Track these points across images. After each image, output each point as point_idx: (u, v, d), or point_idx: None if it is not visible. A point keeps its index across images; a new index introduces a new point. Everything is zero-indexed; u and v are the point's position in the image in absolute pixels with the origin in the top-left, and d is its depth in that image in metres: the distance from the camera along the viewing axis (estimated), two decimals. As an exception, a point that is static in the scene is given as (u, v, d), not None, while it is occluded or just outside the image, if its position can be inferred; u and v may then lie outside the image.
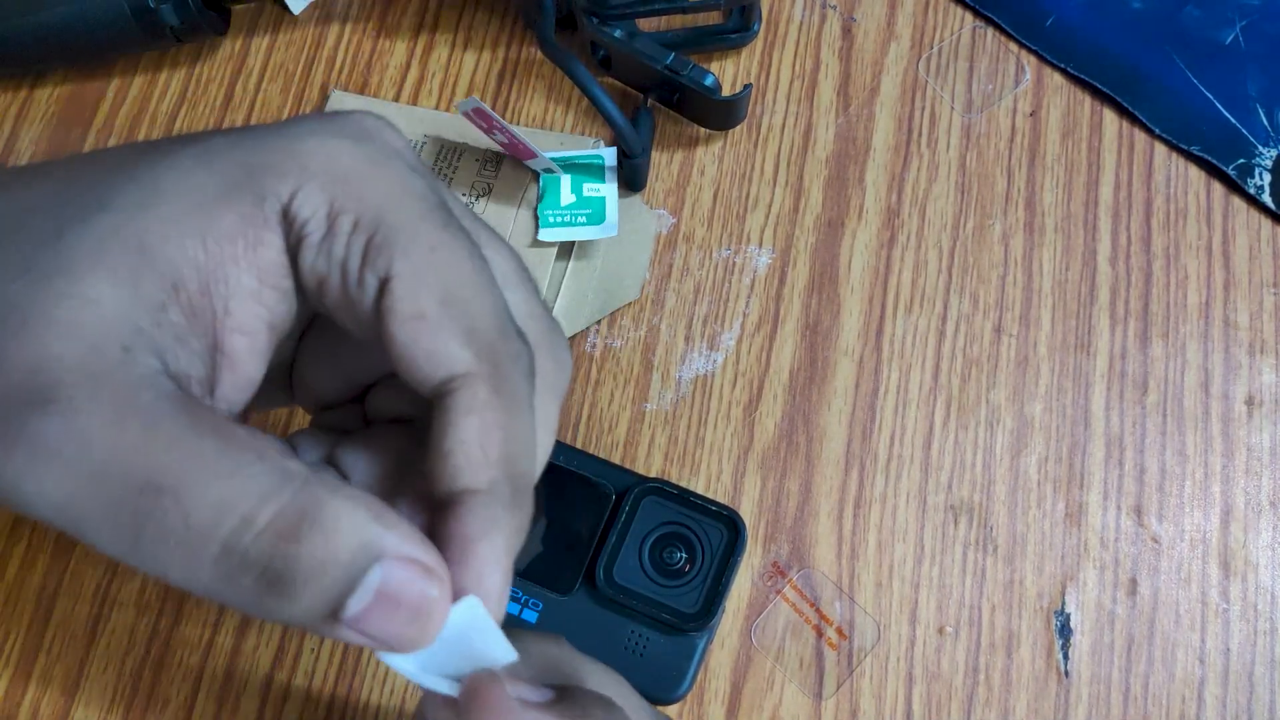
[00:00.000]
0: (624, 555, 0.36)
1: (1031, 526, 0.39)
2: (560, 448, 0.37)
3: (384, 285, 0.21)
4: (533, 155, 0.42)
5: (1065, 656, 0.38)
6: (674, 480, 0.40)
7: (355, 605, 0.19)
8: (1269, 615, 0.38)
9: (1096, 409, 0.41)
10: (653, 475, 0.40)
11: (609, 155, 0.42)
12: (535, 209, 0.43)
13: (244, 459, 0.19)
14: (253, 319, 0.22)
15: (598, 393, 0.41)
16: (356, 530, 0.19)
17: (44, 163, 0.23)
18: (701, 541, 0.36)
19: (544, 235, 0.42)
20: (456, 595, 0.21)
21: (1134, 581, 0.39)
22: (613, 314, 0.42)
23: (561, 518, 0.36)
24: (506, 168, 0.43)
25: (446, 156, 0.44)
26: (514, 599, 0.35)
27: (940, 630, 0.38)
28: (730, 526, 0.36)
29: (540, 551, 0.36)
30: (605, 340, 0.42)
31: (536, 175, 0.43)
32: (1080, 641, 0.38)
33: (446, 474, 0.21)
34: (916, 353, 0.42)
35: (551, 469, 0.37)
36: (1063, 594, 0.39)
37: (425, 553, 0.20)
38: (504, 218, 0.42)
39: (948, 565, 0.39)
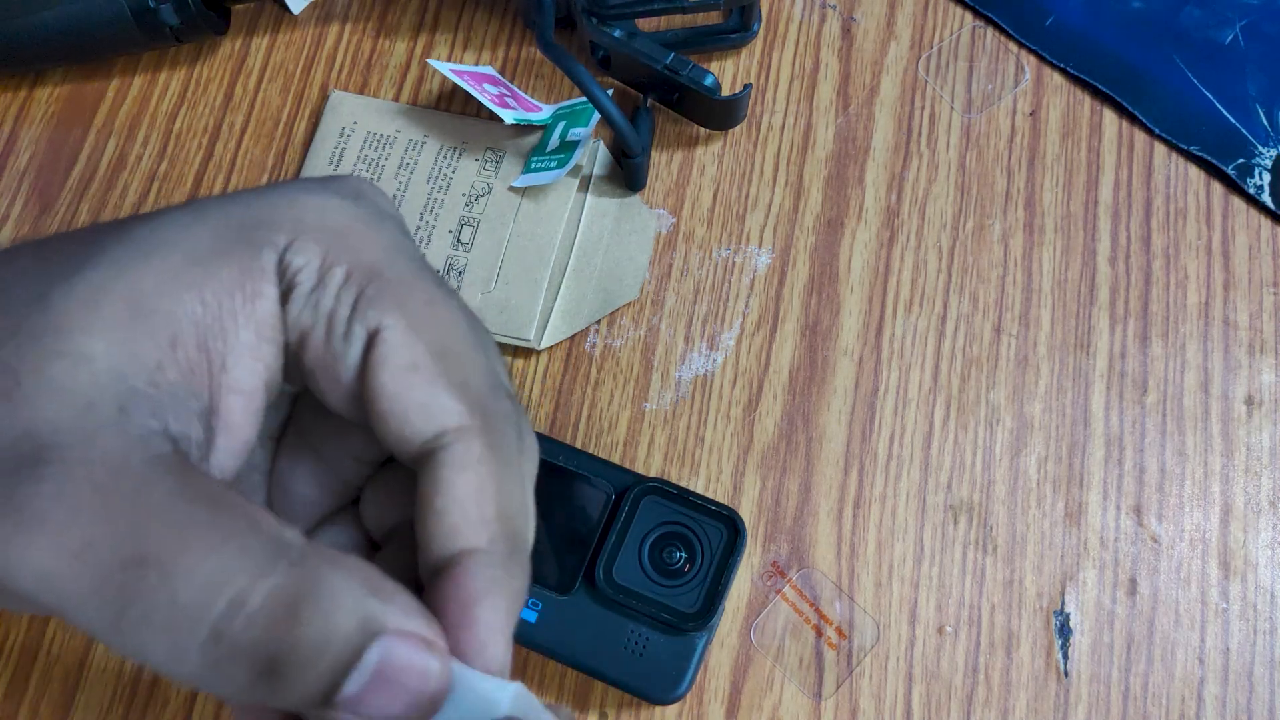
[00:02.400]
0: (624, 555, 0.36)
1: (1031, 526, 0.39)
2: (560, 448, 0.37)
3: (374, 337, 0.21)
4: (538, 109, 0.44)
5: (1065, 656, 0.38)
6: (674, 480, 0.40)
7: (353, 686, 0.18)
8: (1269, 615, 0.38)
9: (1096, 409, 0.41)
10: (652, 475, 0.40)
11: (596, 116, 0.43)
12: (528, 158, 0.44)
13: (236, 528, 0.18)
14: (250, 376, 0.21)
15: (597, 393, 0.41)
16: (355, 606, 0.18)
17: (21, 242, 0.22)
18: (701, 541, 0.36)
19: (516, 182, 0.42)
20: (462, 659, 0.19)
21: (1134, 581, 0.39)
22: (612, 314, 0.42)
23: (561, 517, 0.36)
24: (506, 166, 0.43)
25: (446, 156, 0.44)
26: None
27: (940, 630, 0.38)
28: (730, 526, 0.36)
29: (540, 551, 0.36)
30: (605, 340, 0.42)
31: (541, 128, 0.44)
32: (1080, 641, 0.38)
33: (441, 534, 0.20)
34: (916, 352, 0.42)
35: (551, 469, 0.37)
36: (1062, 594, 0.39)
37: (425, 625, 0.19)
38: (505, 214, 0.42)
39: (947, 565, 0.39)
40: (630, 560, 0.36)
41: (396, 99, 0.45)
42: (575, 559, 0.36)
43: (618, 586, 0.35)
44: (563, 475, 0.37)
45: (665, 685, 0.34)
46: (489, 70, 0.45)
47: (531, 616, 0.35)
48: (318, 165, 0.44)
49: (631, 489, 0.36)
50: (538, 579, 0.35)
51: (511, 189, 0.43)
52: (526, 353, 0.42)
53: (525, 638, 0.35)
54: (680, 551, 0.36)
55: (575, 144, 0.42)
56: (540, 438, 0.37)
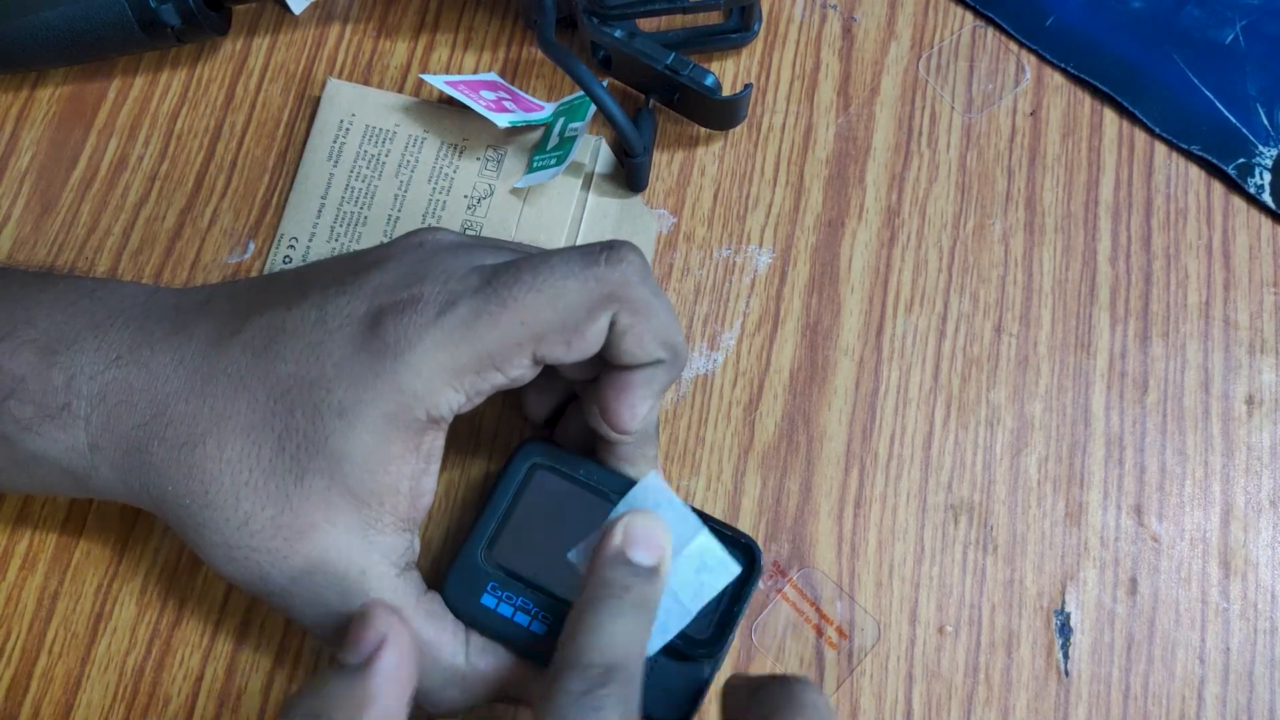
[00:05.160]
0: None
1: (1031, 526, 0.39)
2: (579, 462, 0.35)
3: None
4: (539, 109, 0.44)
5: (1065, 656, 0.38)
6: (673, 480, 0.39)
7: None
8: (1269, 614, 0.38)
9: (1096, 408, 0.41)
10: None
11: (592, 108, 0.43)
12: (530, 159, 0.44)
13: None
14: (430, 479, 0.32)
15: (598, 392, 0.41)
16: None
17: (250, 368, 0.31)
18: None
19: (519, 184, 0.42)
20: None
21: (1134, 581, 0.39)
22: (613, 314, 0.42)
23: (570, 529, 0.35)
24: (508, 166, 0.43)
25: (447, 154, 0.44)
26: (524, 610, 0.34)
27: (940, 630, 0.38)
28: (746, 554, 0.34)
29: (548, 564, 0.35)
30: (606, 340, 0.42)
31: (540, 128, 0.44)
32: (1080, 641, 0.38)
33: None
34: (916, 352, 0.42)
35: (568, 480, 0.35)
36: (1063, 593, 0.39)
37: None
38: (508, 218, 0.42)
39: (948, 565, 0.39)
40: None
41: (397, 99, 0.45)
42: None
43: None
44: (570, 485, 0.35)
45: (667, 709, 0.33)
46: (490, 76, 0.45)
47: (541, 629, 0.34)
48: (316, 161, 0.44)
49: None
50: (546, 592, 0.34)
51: (513, 191, 0.43)
52: (527, 353, 0.42)
53: (531, 650, 0.34)
54: None
55: (573, 139, 0.42)
56: (558, 451, 0.36)
